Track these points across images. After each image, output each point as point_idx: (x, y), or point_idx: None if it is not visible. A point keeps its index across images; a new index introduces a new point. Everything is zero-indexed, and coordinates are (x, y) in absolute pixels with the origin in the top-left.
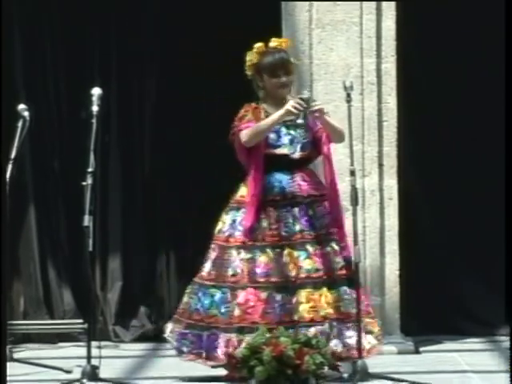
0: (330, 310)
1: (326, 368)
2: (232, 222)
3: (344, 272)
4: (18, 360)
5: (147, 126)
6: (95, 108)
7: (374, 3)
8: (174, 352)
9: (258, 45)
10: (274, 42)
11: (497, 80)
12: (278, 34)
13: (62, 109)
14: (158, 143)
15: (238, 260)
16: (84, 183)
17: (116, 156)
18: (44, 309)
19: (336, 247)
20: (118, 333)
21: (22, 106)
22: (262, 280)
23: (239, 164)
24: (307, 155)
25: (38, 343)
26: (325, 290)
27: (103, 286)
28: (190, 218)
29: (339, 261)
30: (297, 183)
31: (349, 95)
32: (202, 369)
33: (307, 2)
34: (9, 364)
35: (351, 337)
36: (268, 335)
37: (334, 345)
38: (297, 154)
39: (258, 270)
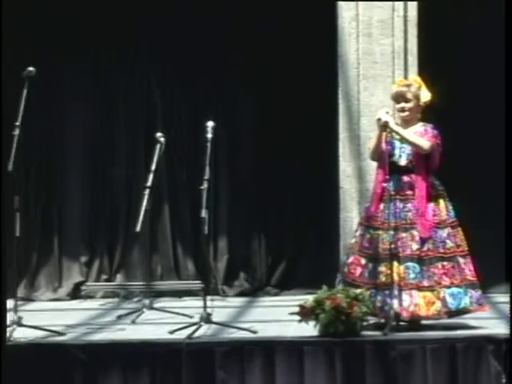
0: (397, 278)
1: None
2: (366, 207)
3: (409, 252)
4: (156, 308)
5: (248, 143)
6: (209, 135)
7: (402, 61)
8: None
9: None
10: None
11: None
12: (335, 85)
13: (187, 135)
14: (257, 153)
15: (357, 234)
16: (201, 187)
17: (224, 168)
18: (174, 273)
19: (415, 233)
20: (224, 290)
21: (159, 134)
22: (364, 251)
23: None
24: (411, 162)
25: (169, 297)
26: (396, 264)
27: (214, 258)
28: (276, 211)
29: (412, 244)
30: (401, 184)
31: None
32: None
33: (356, 61)
34: (149, 311)
35: (405, 300)
36: (329, 292)
37: (394, 303)
38: (403, 162)
39: (365, 244)
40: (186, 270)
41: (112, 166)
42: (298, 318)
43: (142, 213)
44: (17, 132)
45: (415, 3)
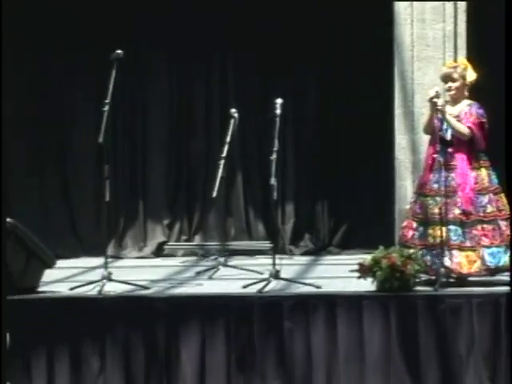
0: (442, 240)
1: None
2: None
3: (451, 216)
4: (230, 266)
5: (312, 117)
6: (278, 111)
7: (452, 44)
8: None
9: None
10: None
11: None
12: (392, 66)
13: (257, 111)
14: (320, 126)
15: (411, 200)
16: (271, 158)
17: (291, 140)
18: (246, 234)
19: (458, 199)
20: (291, 250)
21: (233, 110)
22: (416, 216)
23: None
24: (455, 137)
25: (242, 256)
26: (441, 227)
27: (282, 221)
28: (337, 179)
29: (454, 208)
30: (446, 156)
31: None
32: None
33: (410, 44)
34: (224, 268)
35: (449, 259)
36: (385, 251)
37: (442, 262)
38: (448, 136)
39: (417, 209)
40: (256, 231)
41: (191, 139)
42: (357, 274)
43: (218, 180)
44: (106, 108)
45: None
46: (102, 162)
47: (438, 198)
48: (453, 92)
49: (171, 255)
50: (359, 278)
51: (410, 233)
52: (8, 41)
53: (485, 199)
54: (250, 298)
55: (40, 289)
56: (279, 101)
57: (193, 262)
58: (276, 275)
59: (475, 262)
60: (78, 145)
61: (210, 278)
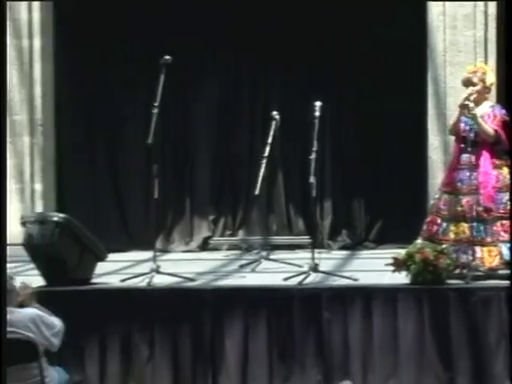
0: (465, 236)
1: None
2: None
3: (474, 214)
4: (272, 259)
5: (350, 119)
6: (317, 113)
7: (482, 50)
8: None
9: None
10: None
11: None
12: (425, 70)
13: (297, 113)
14: (357, 127)
15: (436, 197)
16: (310, 157)
17: (329, 141)
18: (287, 229)
19: (480, 197)
20: (329, 244)
21: (274, 112)
22: (440, 212)
23: None
24: (478, 137)
25: (283, 250)
26: (463, 223)
27: (321, 217)
28: (373, 177)
29: (476, 206)
30: (470, 155)
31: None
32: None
33: (443, 50)
34: (266, 262)
35: (477, 253)
36: (419, 246)
37: (469, 256)
38: (471, 137)
39: (441, 206)
40: (296, 227)
41: (235, 140)
42: (392, 268)
43: (260, 179)
44: (155, 111)
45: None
46: (151, 162)
47: (460, 196)
48: (474, 95)
49: (216, 249)
50: (394, 271)
51: (435, 228)
52: (65, 44)
53: (505, 196)
54: (291, 290)
55: (93, 280)
56: (318, 103)
57: (236, 256)
58: (315, 268)
59: (496, 256)
60: (128, 146)
61: (253, 270)
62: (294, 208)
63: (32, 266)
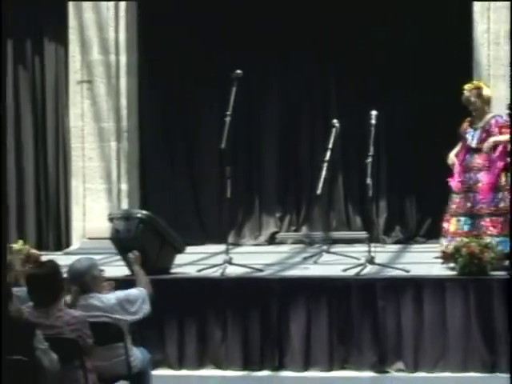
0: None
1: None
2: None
3: (463, 209)
4: (332, 252)
5: (402, 127)
6: (373, 121)
7: None
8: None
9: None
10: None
11: None
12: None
13: (355, 121)
14: (408, 134)
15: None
16: (367, 161)
17: (383, 146)
18: (345, 225)
19: (470, 195)
20: (384, 239)
21: (334, 120)
22: (451, 210)
23: None
24: (479, 144)
25: (342, 244)
26: (455, 217)
27: (376, 214)
28: (423, 178)
29: (467, 203)
30: (473, 160)
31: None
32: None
33: (487, 64)
34: (326, 255)
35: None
36: (465, 241)
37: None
38: (474, 144)
39: (452, 205)
40: (354, 223)
41: (299, 145)
42: (440, 261)
43: (322, 180)
44: (228, 119)
45: None
46: (224, 165)
47: (460, 195)
48: (475, 112)
49: (282, 243)
50: (442, 263)
51: (446, 224)
52: (148, 60)
53: (499, 195)
54: (349, 280)
55: (172, 270)
56: (374, 113)
57: (300, 249)
58: (371, 261)
59: None
60: (203, 150)
61: (315, 262)
62: (352, 206)
63: (118, 257)
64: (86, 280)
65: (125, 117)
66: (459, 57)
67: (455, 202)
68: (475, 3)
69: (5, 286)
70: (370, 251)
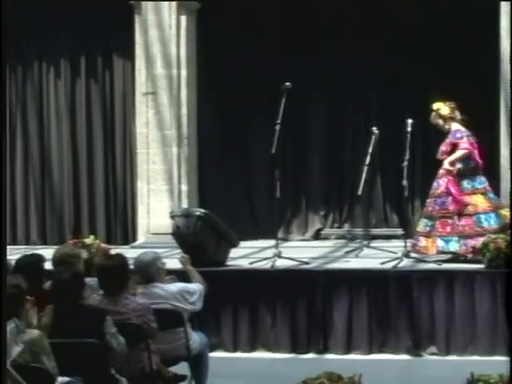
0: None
1: None
2: None
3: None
4: (371, 247)
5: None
6: (409, 129)
7: None
8: None
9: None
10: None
11: None
12: (498, 96)
13: (393, 128)
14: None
15: None
16: (403, 164)
17: (419, 151)
18: (384, 223)
19: (431, 199)
20: None
21: (374, 128)
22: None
23: None
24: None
25: (380, 239)
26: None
27: (412, 213)
28: None
29: (429, 206)
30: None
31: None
32: None
33: None
34: (366, 249)
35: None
36: (493, 237)
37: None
38: (438, 156)
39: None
40: (392, 220)
41: (342, 150)
42: (470, 255)
43: (362, 181)
44: (277, 127)
45: None
46: (274, 168)
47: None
48: (443, 129)
49: (326, 238)
50: (473, 257)
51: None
52: (205, 73)
53: (448, 200)
54: (387, 272)
55: (227, 263)
56: (410, 121)
57: (343, 244)
58: (407, 255)
59: (434, 245)
60: (256, 155)
61: (356, 256)
62: (389, 205)
63: (179, 251)
64: (150, 271)
65: (185, 124)
66: (487, 69)
67: (426, 205)
68: (502, 20)
69: (5, 286)
70: (405, 246)
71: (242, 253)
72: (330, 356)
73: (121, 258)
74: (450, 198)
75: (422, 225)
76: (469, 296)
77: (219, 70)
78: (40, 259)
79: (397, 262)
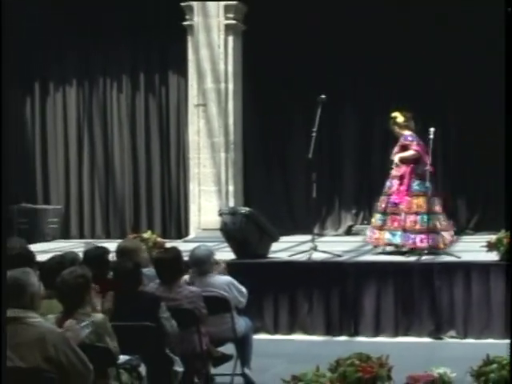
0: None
1: None
2: None
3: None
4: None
5: (455, 139)
6: (431, 136)
7: None
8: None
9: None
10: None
11: None
12: None
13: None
14: (461, 146)
15: None
16: (425, 168)
17: (440, 156)
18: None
19: (383, 197)
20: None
21: (432, 129)
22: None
23: None
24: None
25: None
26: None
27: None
28: (473, 181)
29: (382, 203)
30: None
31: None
32: (475, 246)
33: None
34: None
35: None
36: (505, 233)
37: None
38: (391, 157)
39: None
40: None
41: (372, 156)
42: (486, 249)
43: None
44: (314, 134)
45: None
46: (311, 171)
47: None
48: (398, 135)
49: (357, 234)
50: (487, 251)
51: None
52: (250, 87)
53: (396, 200)
54: (411, 264)
55: (269, 255)
56: (432, 129)
57: None
58: (428, 249)
59: (383, 238)
60: (294, 159)
61: (383, 250)
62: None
63: (226, 245)
64: (204, 264)
65: (232, 132)
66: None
67: (379, 202)
68: None
69: (5, 285)
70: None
71: (282, 246)
72: (360, 339)
73: (175, 251)
74: (400, 197)
75: (376, 219)
76: (484, 285)
77: (262, 83)
78: (105, 251)
79: (419, 255)
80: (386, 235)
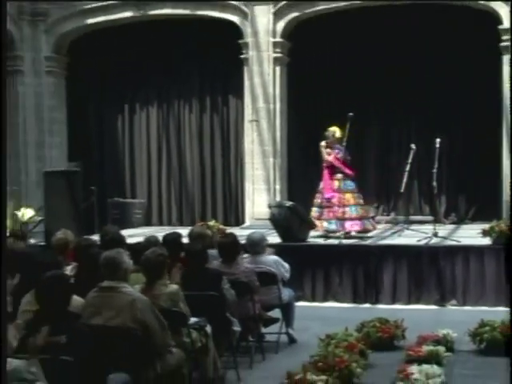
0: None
1: None
2: None
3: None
4: (411, 229)
5: (459, 148)
6: (437, 145)
7: None
8: (464, 228)
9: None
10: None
11: None
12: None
13: (425, 146)
14: (461, 154)
15: None
16: (433, 171)
17: (445, 161)
18: (419, 212)
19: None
20: (444, 221)
21: (412, 145)
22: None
23: None
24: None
25: (417, 223)
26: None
27: (440, 204)
28: (473, 182)
29: (318, 199)
30: None
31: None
32: (472, 233)
33: None
34: (407, 231)
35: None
36: (497, 222)
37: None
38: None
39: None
40: (425, 210)
41: (391, 159)
42: (481, 235)
43: (404, 182)
44: (344, 144)
45: None
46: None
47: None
48: (331, 143)
49: (378, 223)
50: (482, 237)
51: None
52: (294, 107)
53: (330, 195)
54: (421, 248)
55: (308, 240)
56: (438, 140)
57: (390, 226)
58: (436, 235)
59: (322, 226)
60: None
61: (399, 235)
62: (423, 199)
63: (274, 231)
64: (258, 246)
65: (278, 143)
66: (491, 102)
67: (315, 197)
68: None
69: (4, 283)
70: (435, 228)
71: (317, 233)
72: (380, 306)
73: (233, 236)
74: (331, 194)
75: (314, 211)
76: (480, 264)
77: (303, 104)
78: (179, 236)
79: (428, 240)
80: (324, 224)
